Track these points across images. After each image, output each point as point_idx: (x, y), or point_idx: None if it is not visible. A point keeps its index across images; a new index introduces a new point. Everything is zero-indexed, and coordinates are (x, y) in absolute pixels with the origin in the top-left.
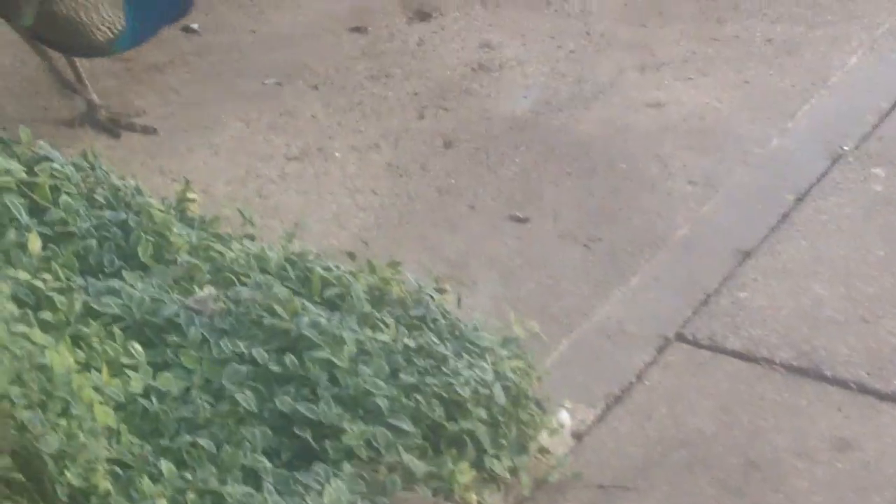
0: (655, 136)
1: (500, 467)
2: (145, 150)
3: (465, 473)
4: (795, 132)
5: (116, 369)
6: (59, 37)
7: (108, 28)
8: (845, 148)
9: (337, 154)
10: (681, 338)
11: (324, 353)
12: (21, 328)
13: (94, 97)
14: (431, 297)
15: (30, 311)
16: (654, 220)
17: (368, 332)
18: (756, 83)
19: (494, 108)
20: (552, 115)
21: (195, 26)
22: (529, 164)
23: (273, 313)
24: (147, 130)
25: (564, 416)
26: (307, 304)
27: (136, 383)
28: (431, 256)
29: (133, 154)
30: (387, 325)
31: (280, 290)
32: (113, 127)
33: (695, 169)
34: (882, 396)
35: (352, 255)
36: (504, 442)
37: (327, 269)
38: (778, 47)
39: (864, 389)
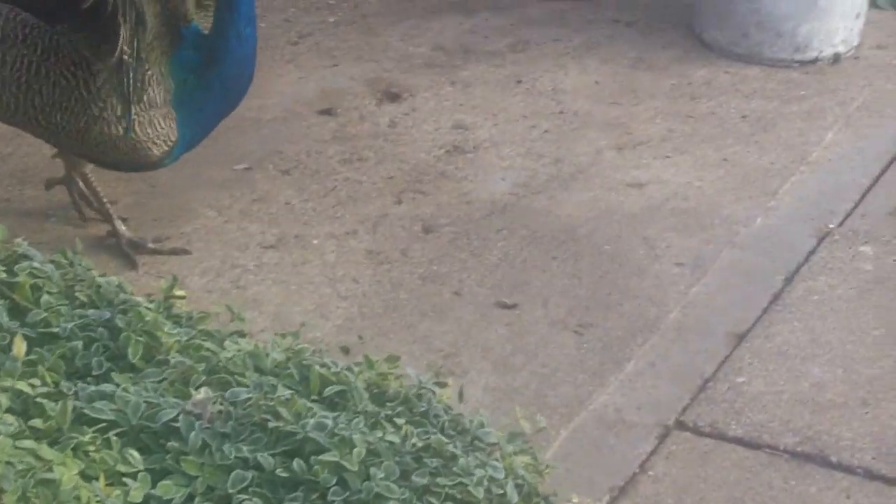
0: (639, 217)
1: None
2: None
3: None
4: (779, 211)
5: (114, 479)
6: (114, 155)
7: (164, 141)
8: (830, 226)
9: (314, 241)
10: (681, 426)
11: (333, 457)
12: (28, 444)
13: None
14: (433, 391)
15: (19, 420)
16: (644, 304)
17: (378, 432)
18: (735, 161)
19: (472, 191)
20: (532, 197)
21: None
22: (513, 248)
23: (277, 416)
24: (177, 252)
25: None
26: (309, 404)
27: (137, 493)
28: (421, 347)
29: (105, 248)
30: (393, 425)
31: (282, 391)
32: (132, 253)
33: (681, 251)
34: (890, 482)
35: (345, 350)
36: None
37: (325, 366)
38: (753, 124)
39: (870, 475)
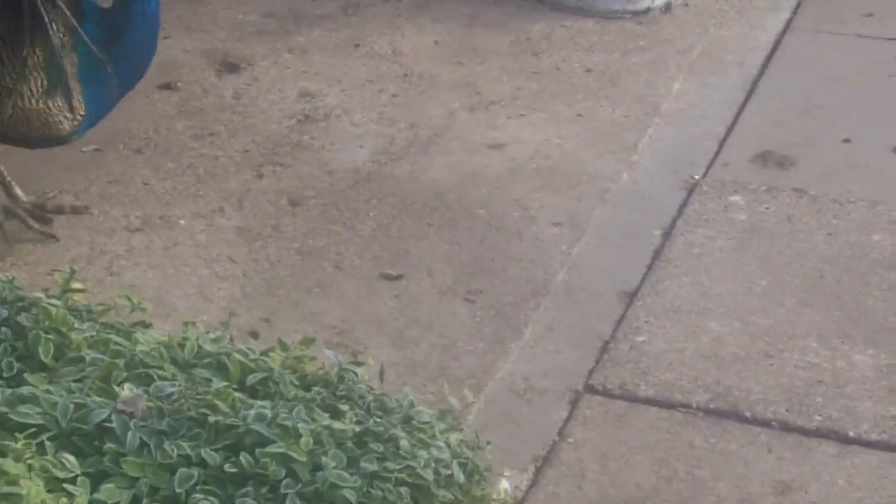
0: (506, 178)
1: None
2: None
3: None
4: (642, 165)
5: (52, 485)
6: (24, 130)
7: (74, 115)
8: (696, 177)
9: (181, 222)
10: (591, 389)
11: (279, 448)
12: None
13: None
14: (354, 373)
15: None
16: (529, 267)
17: (322, 420)
18: (589, 116)
19: (332, 160)
20: (394, 164)
21: None
22: (385, 218)
23: (214, 409)
24: (77, 210)
25: (506, 485)
26: (241, 395)
27: (81, 499)
28: (313, 325)
29: None
30: (329, 410)
31: (217, 384)
32: (39, 213)
33: (554, 210)
34: (808, 433)
35: (254, 335)
36: None
37: (243, 353)
38: (599, 77)
39: (787, 427)
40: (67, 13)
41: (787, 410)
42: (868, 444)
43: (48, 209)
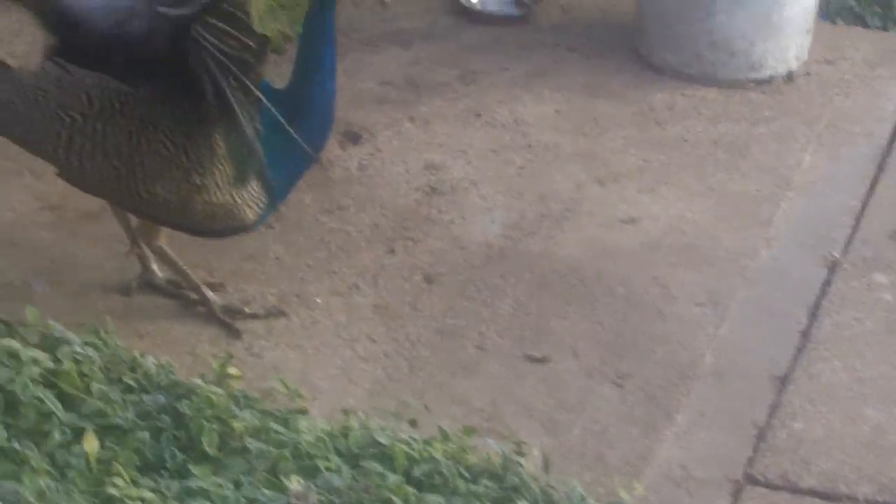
0: (642, 255)
1: None
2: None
3: None
4: (779, 241)
5: None
6: (210, 224)
7: (257, 204)
8: (835, 254)
9: (318, 300)
10: (752, 480)
11: None
12: None
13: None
14: (520, 463)
15: None
16: (675, 349)
17: None
18: (720, 189)
19: (463, 235)
20: (528, 239)
21: None
22: (523, 295)
23: None
24: (272, 313)
25: None
26: (410, 488)
27: None
28: (461, 408)
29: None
30: None
31: (392, 477)
32: (231, 322)
33: (695, 288)
34: None
35: (413, 423)
36: None
37: (405, 442)
38: (727, 148)
39: None
40: (250, 97)
41: None
42: None
43: (244, 315)
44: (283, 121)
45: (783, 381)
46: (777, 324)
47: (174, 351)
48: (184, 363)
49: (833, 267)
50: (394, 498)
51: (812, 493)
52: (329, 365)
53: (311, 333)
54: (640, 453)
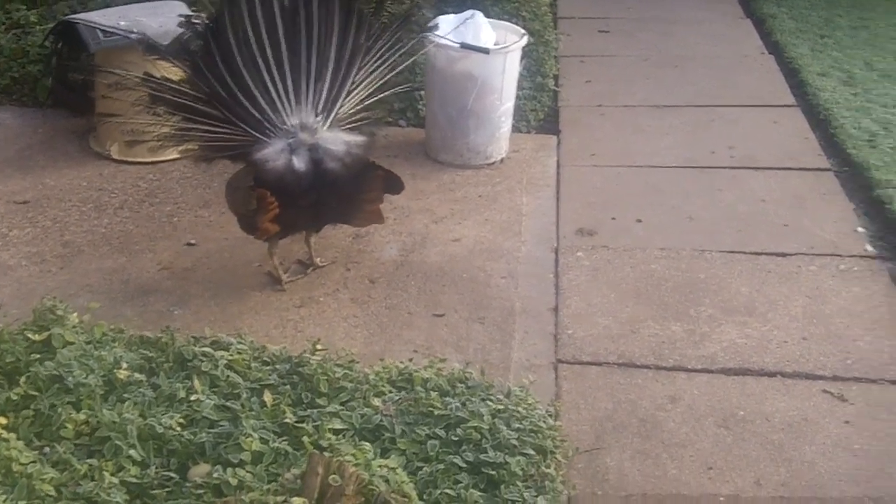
0: (469, 257)
1: None
2: (229, 322)
3: None
4: (528, 242)
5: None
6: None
7: None
8: (555, 245)
9: (321, 299)
10: (560, 361)
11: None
12: None
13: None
14: (469, 372)
15: None
16: (502, 302)
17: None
18: (492, 220)
19: (382, 256)
20: (412, 255)
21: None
22: (421, 284)
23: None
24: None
25: None
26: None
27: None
28: (410, 346)
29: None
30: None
31: (419, 390)
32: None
33: (500, 270)
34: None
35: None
36: None
37: (412, 370)
38: (487, 199)
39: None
40: None
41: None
42: None
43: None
44: None
45: (555, 310)
46: (542, 284)
47: (271, 339)
48: (281, 343)
49: (556, 251)
50: (426, 400)
51: (588, 363)
52: (338, 332)
53: (324, 317)
54: (504, 356)
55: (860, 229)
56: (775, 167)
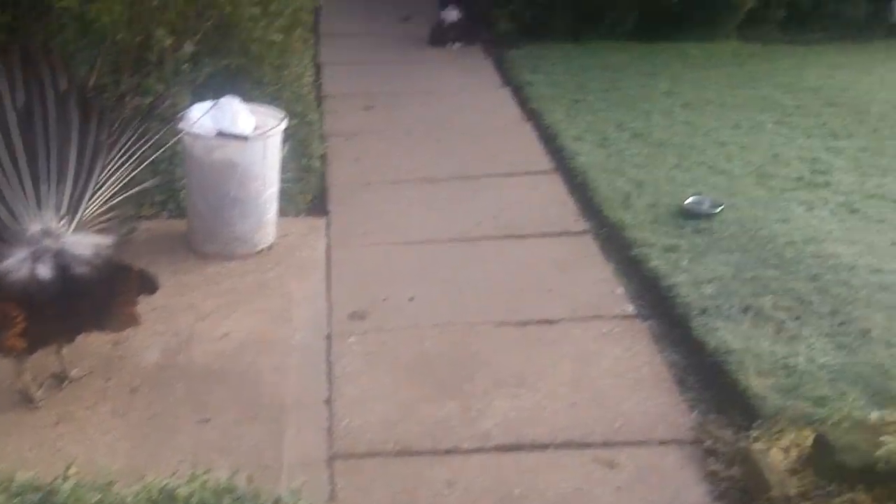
0: (242, 350)
1: None
2: None
3: None
4: (301, 329)
5: None
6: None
7: None
8: (328, 331)
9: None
10: (336, 456)
11: None
12: None
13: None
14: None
15: None
16: (271, 394)
17: None
18: (264, 309)
19: (143, 360)
20: (180, 356)
21: None
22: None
23: None
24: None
25: None
26: None
27: None
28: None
29: None
30: None
31: None
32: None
33: (275, 362)
34: None
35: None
36: None
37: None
38: (259, 285)
39: None
40: None
41: None
42: None
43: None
44: None
45: (328, 402)
46: (314, 374)
47: (26, 463)
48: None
49: (329, 338)
50: None
51: (364, 455)
52: (100, 448)
53: (84, 434)
54: (276, 457)
55: (619, 290)
56: (537, 234)
